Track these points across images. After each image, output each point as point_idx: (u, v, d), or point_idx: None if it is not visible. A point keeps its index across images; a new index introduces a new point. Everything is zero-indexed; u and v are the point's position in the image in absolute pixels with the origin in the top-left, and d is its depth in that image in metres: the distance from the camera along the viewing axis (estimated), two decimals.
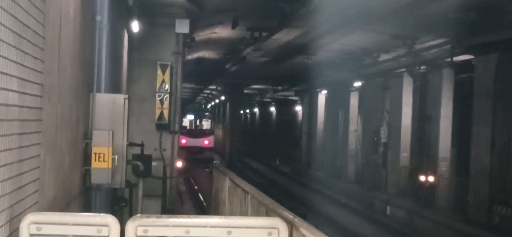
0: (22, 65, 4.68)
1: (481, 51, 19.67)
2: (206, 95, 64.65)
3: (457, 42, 20.33)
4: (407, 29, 20.98)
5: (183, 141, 40.06)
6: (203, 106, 65.47)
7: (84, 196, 9.22)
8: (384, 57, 25.65)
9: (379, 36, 22.45)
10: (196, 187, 31.15)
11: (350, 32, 21.23)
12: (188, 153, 40.62)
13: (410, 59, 23.48)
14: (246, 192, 7.41)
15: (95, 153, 8.96)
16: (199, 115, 53.25)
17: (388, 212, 24.06)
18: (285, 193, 29.63)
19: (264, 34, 22.89)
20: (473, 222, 19.26)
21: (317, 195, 29.52)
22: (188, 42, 21.83)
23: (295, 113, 54.20)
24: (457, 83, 23.29)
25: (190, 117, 52.25)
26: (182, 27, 16.30)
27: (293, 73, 35.59)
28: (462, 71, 23.02)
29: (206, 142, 48.14)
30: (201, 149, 46.86)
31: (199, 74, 38.94)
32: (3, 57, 4.13)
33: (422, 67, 23.84)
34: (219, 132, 58.15)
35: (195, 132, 49.58)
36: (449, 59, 21.38)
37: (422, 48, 22.36)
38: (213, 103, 69.54)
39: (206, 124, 52.41)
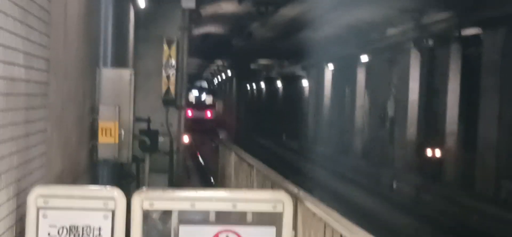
0: (27, 39, 4.69)
1: (489, 25, 19.56)
2: (212, 70, 64.71)
3: (465, 16, 20.21)
4: (415, 3, 20.88)
5: (189, 113, 45.64)
6: (207, 83, 67.72)
7: (91, 171, 9.28)
8: (391, 31, 25.54)
9: (386, 10, 22.36)
10: (197, 152, 33.14)
11: (356, 6, 21.15)
12: (193, 123, 45.89)
13: (418, 33, 23.39)
14: (251, 166, 7.44)
15: (102, 128, 8.99)
16: (203, 91, 59.21)
17: (394, 186, 24.09)
18: (292, 168, 29.69)
19: (270, 8, 22.84)
20: (480, 197, 19.27)
21: (324, 170, 29.57)
22: (195, 17, 21.79)
23: (301, 89, 54.11)
24: (465, 57, 23.18)
25: (195, 93, 57.38)
26: (189, 2, 16.22)
27: (299, 48, 35.49)
28: (469, 45, 22.91)
29: (209, 114, 56.33)
30: (204, 120, 54.48)
31: (205, 50, 38.94)
32: (8, 31, 4.14)
33: (430, 41, 23.74)
34: (224, 106, 62.10)
35: (199, 105, 55.72)
36: (457, 33, 21.28)
37: (429, 22, 22.26)
38: (219, 78, 69.83)
39: (208, 99, 58.32)
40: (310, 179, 26.10)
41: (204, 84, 63.34)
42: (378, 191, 23.98)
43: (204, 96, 57.91)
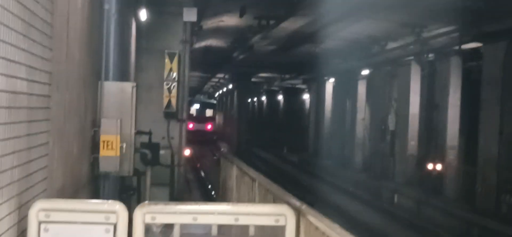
0: (30, 53, 4.69)
1: (490, 39, 19.58)
2: (213, 83, 64.86)
3: (465, 30, 20.24)
4: (415, 17, 20.91)
5: (190, 125, 47.63)
6: (207, 96, 72.04)
7: (92, 184, 9.26)
8: (392, 45, 25.57)
9: (387, 24, 22.38)
10: (198, 165, 34.23)
11: (357, 20, 21.17)
12: (194, 135, 48.07)
13: (418, 47, 23.40)
14: (253, 179, 7.42)
15: (103, 141, 8.97)
16: (203, 104, 63.84)
17: (395, 200, 24.04)
18: (293, 182, 29.65)
19: (271, 22, 22.86)
20: (481, 211, 19.23)
21: (324, 184, 29.51)
22: (196, 31, 21.82)
23: (302, 102, 54.15)
24: (465, 71, 23.19)
25: (196, 106, 61.43)
26: (190, 15, 16.26)
27: (300, 61, 35.53)
28: (470, 59, 22.91)
29: (209, 126, 60.50)
30: (204, 132, 57.92)
31: (206, 63, 38.96)
32: (11, 45, 4.14)
33: (430, 55, 23.76)
34: (224, 119, 64.54)
35: (200, 118, 59.69)
36: (457, 47, 21.30)
37: (430, 36, 22.28)
38: (220, 91, 70.30)
39: (208, 112, 63.14)
40: (311, 192, 26.05)
41: (205, 98, 67.27)
42: (379, 204, 23.92)
43: (204, 110, 62.45)
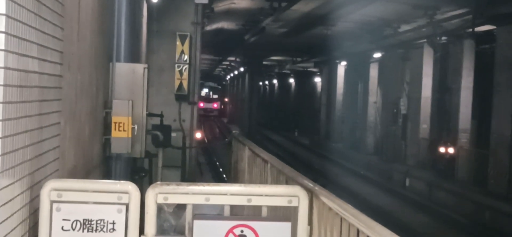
0: (41, 31, 4.65)
1: (503, 22, 19.43)
2: (225, 66, 64.86)
3: (478, 12, 20.09)
4: None
5: (201, 104, 57.90)
6: (214, 82, 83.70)
7: (104, 166, 9.25)
8: (404, 27, 25.42)
9: (400, 6, 22.23)
10: (205, 139, 37.48)
11: (370, 2, 21.04)
12: (204, 111, 61.98)
13: (431, 30, 23.25)
14: (265, 161, 7.38)
15: (115, 123, 8.95)
16: (211, 88, 78.62)
17: (407, 184, 23.99)
18: (304, 165, 29.64)
19: (283, 4, 22.76)
20: (493, 194, 19.16)
21: (336, 166, 29.50)
22: (208, 13, 21.74)
23: (314, 85, 54.04)
24: (478, 54, 23.04)
25: (206, 90, 75.53)
26: None
27: (312, 44, 35.40)
28: (483, 41, 22.76)
29: (215, 105, 76.56)
30: (211, 109, 73.91)
31: (218, 45, 38.90)
32: (22, 23, 4.11)
33: (443, 38, 23.61)
34: (235, 102, 71.58)
35: (208, 99, 74.89)
36: (470, 30, 21.15)
37: (443, 19, 22.13)
38: (231, 74, 70.83)
39: (215, 95, 79.04)
40: (323, 175, 26.03)
41: (212, 84, 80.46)
42: (390, 187, 23.88)
43: (211, 93, 78.15)
